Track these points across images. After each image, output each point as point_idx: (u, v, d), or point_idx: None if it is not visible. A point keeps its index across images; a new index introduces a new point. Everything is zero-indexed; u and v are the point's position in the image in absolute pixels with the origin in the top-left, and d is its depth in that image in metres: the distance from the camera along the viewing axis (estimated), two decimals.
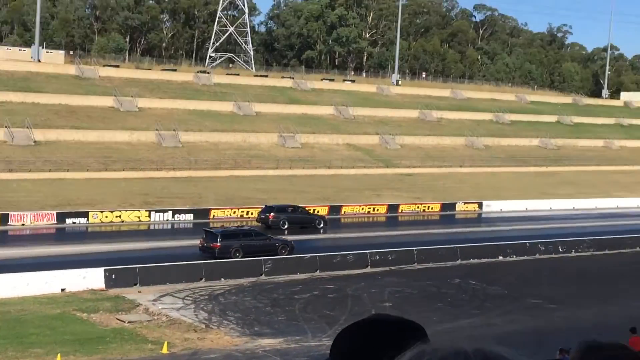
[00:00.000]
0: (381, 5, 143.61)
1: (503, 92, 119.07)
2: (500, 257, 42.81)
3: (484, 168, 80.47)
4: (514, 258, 43.08)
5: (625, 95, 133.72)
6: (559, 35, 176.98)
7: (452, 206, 60.67)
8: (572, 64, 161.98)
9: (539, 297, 34.17)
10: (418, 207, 59.39)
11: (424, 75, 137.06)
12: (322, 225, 49.65)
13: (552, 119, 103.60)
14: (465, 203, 61.56)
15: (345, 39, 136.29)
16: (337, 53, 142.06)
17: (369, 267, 38.79)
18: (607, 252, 46.00)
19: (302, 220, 49.33)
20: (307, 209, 51.45)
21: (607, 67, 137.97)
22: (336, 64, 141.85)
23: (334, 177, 69.99)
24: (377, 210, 58.00)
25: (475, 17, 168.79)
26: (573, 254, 45.06)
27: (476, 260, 41.69)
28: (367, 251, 39.75)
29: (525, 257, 43.34)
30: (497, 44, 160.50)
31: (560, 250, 45.09)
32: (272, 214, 48.35)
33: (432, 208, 59.66)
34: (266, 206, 49.96)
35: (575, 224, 56.72)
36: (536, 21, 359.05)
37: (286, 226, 47.95)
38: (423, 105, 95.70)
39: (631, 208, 66.07)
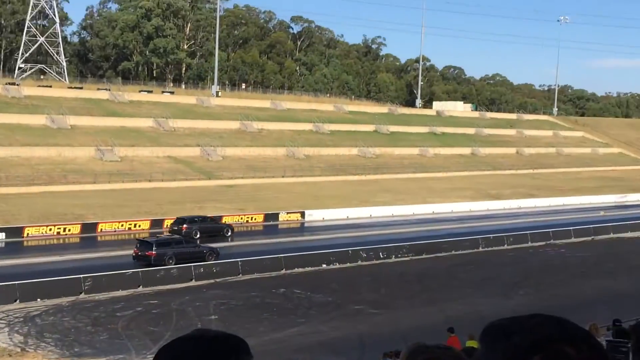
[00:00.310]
0: (198, 17, 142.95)
1: (322, 102, 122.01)
2: (324, 265, 43.61)
3: (305, 178, 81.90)
4: (337, 265, 44.00)
5: (437, 105, 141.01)
6: (374, 47, 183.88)
7: (275, 216, 61.15)
8: (387, 74, 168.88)
9: (361, 303, 35.12)
10: (241, 218, 59.40)
11: (243, 87, 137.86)
12: (229, 233, 52.43)
13: (369, 128, 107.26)
14: (288, 213, 62.24)
15: (162, 50, 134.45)
16: (155, 64, 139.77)
17: (193, 280, 38.33)
18: (424, 256, 48.07)
19: (212, 230, 51.98)
20: (213, 217, 54.41)
21: (420, 78, 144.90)
22: (154, 75, 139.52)
23: (155, 190, 68.69)
24: None
25: (293, 28, 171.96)
26: (393, 259, 46.67)
27: (300, 269, 42.26)
28: (191, 264, 39.30)
29: (348, 264, 44.40)
30: (315, 55, 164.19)
31: (381, 256, 46.56)
32: (184, 225, 50.50)
33: (255, 219, 59.86)
34: (178, 218, 52.24)
35: (395, 230, 58.84)
36: (352, 33, 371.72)
37: (198, 236, 49.88)
38: (244, 116, 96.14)
39: (446, 213, 69.42)
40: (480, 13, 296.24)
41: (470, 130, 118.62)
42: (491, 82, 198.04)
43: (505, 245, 52.90)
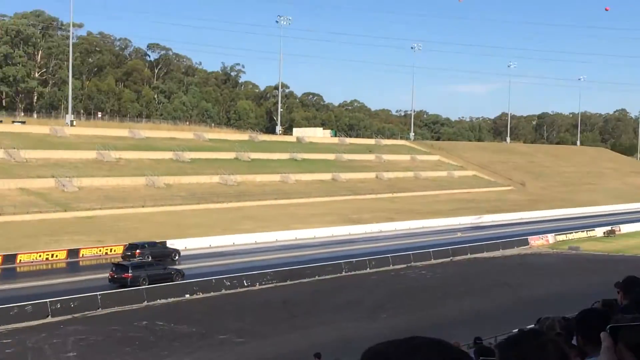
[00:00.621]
0: (50, 44, 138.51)
1: (181, 130, 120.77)
2: (187, 295, 43.00)
3: (166, 207, 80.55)
4: (201, 295, 43.49)
5: (297, 131, 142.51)
6: (233, 74, 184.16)
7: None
8: (247, 101, 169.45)
9: (226, 332, 34.82)
10: (100, 250, 57.70)
11: (99, 115, 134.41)
12: (177, 257, 56.17)
13: (230, 155, 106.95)
14: None
15: (12, 78, 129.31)
16: (4, 93, 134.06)
17: (49, 316, 36.78)
18: (289, 282, 48.27)
19: (162, 254, 54.87)
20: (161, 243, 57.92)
21: (280, 105, 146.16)
22: (4, 104, 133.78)
23: (7, 224, 65.58)
24: (56, 256, 55.29)
25: (149, 56, 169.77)
26: (257, 286, 46.61)
27: (163, 300, 41.48)
28: (47, 300, 37.70)
29: (212, 293, 43.96)
30: (173, 82, 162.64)
31: (245, 284, 46.40)
32: (137, 250, 53.97)
33: (115, 250, 58.23)
34: (130, 244, 55.89)
35: (258, 257, 58.83)
36: (210, 60, 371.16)
37: (150, 259, 51.12)
38: (100, 146, 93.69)
39: (308, 239, 70.09)
40: (337, 40, 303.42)
41: (331, 156, 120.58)
42: (349, 108, 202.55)
43: (368, 268, 53.94)
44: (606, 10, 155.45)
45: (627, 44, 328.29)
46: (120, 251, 57.90)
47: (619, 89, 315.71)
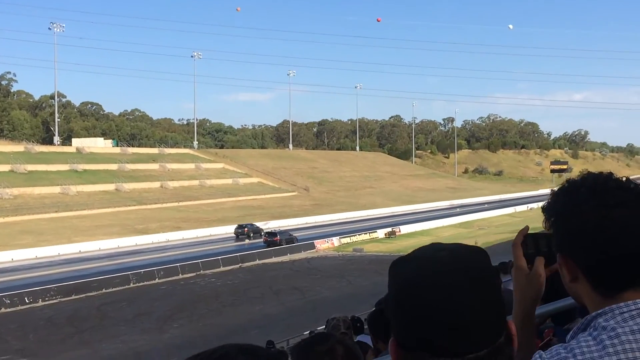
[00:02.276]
0: None
1: None
2: None
3: None
4: None
5: (76, 142, 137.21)
6: (4, 83, 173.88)
7: None
8: (21, 112, 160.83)
9: (8, 353, 33.17)
10: None
11: None
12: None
13: (5, 168, 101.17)
14: None
15: None
16: None
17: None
18: (74, 297, 46.67)
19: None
20: None
21: (57, 115, 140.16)
22: None
23: None
24: None
25: None
26: (40, 303, 44.69)
27: None
28: None
29: None
30: None
31: (27, 300, 44.34)
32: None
33: None
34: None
35: (41, 272, 56.33)
36: None
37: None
38: None
39: (93, 251, 68.06)
40: (116, 49, 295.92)
41: (113, 166, 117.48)
42: (131, 117, 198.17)
43: (157, 279, 53.36)
44: (378, 21, 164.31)
45: (401, 54, 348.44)
46: None
47: (394, 97, 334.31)
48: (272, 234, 72.35)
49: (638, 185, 1.63)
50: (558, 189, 1.79)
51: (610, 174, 1.71)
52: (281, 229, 79.40)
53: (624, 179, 1.69)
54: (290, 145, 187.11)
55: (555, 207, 1.75)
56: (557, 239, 1.74)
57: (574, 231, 1.67)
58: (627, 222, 1.61)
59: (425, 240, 68.88)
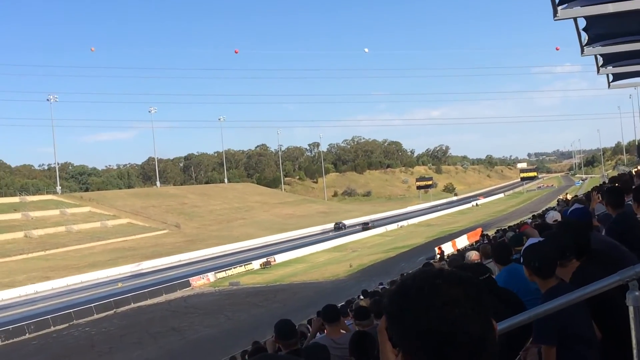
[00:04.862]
0: None
1: None
2: None
3: None
4: None
5: None
6: None
7: None
8: None
9: None
10: None
11: None
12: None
13: None
14: None
15: None
16: None
17: None
18: None
19: None
20: None
21: None
22: None
23: None
24: None
25: None
26: None
27: None
28: None
29: None
30: None
31: None
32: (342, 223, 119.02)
33: None
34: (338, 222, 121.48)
35: None
36: None
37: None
38: None
39: None
40: None
41: None
42: None
43: (27, 334, 50.99)
44: (235, 52, 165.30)
45: (260, 84, 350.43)
46: None
47: (258, 126, 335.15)
48: (365, 222, 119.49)
49: (470, 278, 1.75)
50: (393, 290, 1.84)
51: (440, 270, 1.79)
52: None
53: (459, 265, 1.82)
54: (158, 183, 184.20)
55: (390, 309, 1.80)
56: (395, 338, 1.80)
57: (409, 332, 1.74)
58: (457, 320, 1.68)
59: (301, 268, 69.73)
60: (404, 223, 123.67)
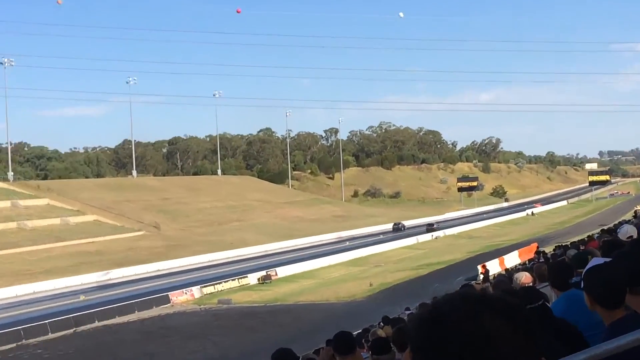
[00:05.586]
0: None
1: None
2: None
3: None
4: None
5: None
6: None
7: None
8: None
9: None
10: None
11: None
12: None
13: None
14: None
15: None
16: None
17: None
18: None
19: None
20: None
21: None
22: None
23: None
24: None
25: None
26: None
27: None
28: None
29: None
30: None
31: None
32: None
33: None
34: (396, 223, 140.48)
35: None
36: None
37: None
38: None
39: None
40: None
41: None
42: None
43: None
44: (238, 12, 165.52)
45: (268, 53, 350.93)
46: None
47: (262, 105, 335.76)
48: (430, 224, 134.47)
49: (520, 307, 1.71)
50: (422, 316, 1.81)
51: (483, 294, 1.76)
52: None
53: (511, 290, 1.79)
54: (134, 172, 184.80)
55: (417, 340, 1.78)
56: None
57: None
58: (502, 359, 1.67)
59: (309, 285, 69.93)
60: (440, 233, 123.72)
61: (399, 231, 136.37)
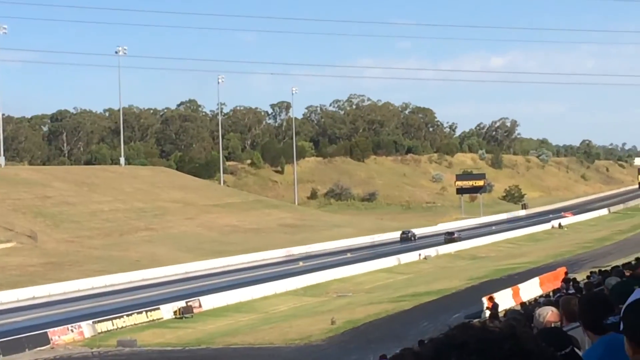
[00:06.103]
0: None
1: None
2: None
3: None
4: None
5: None
6: None
7: None
8: None
9: None
10: None
11: None
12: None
13: None
14: None
15: None
16: None
17: None
18: None
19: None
20: None
21: None
22: None
23: None
24: None
25: None
26: None
27: None
28: None
29: None
30: None
31: None
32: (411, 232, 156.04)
33: None
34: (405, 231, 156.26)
35: None
36: None
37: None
38: None
39: None
40: None
41: None
42: None
43: None
44: None
45: None
46: None
47: (184, 68, 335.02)
48: (450, 232, 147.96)
49: (543, 353, 1.72)
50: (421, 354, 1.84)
51: (500, 334, 1.73)
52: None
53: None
54: (2, 159, 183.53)
55: None
56: None
57: None
58: None
59: (245, 321, 70.60)
60: (431, 252, 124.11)
61: (408, 241, 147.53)
